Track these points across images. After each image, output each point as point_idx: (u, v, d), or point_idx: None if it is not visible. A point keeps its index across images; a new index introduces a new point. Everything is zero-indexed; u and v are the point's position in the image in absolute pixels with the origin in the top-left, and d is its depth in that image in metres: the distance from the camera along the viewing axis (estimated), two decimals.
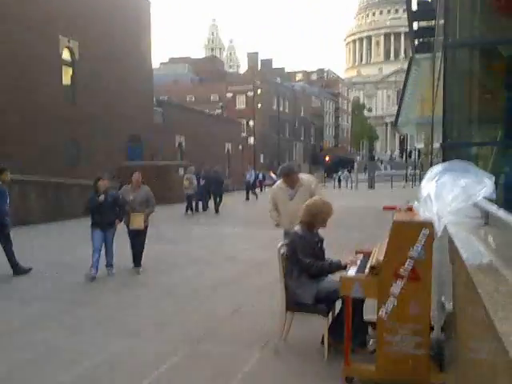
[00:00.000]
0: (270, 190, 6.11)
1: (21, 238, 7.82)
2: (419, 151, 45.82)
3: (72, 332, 4.89)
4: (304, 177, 5.78)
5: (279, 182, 5.82)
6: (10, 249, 7.52)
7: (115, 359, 4.17)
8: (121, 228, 7.69)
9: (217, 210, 17.85)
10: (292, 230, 4.35)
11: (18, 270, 7.50)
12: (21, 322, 5.25)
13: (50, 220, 14.36)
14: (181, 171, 23.40)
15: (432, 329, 3.40)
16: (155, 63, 68.53)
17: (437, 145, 7.71)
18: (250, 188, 23.58)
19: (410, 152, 59.07)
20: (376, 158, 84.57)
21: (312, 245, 4.19)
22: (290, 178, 5.56)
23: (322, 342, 4.04)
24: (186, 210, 17.45)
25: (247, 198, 23.39)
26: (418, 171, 41.41)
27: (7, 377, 3.85)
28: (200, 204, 18.64)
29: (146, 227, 7.77)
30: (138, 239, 7.68)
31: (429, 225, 3.16)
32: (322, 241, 4.38)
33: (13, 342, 4.62)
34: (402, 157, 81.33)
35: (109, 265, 7.45)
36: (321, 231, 4.47)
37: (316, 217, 4.23)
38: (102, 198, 7.26)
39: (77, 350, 4.40)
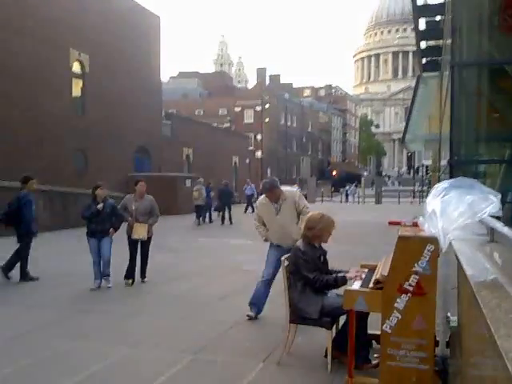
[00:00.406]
0: (255, 207, 6.03)
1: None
2: (427, 168, 45.70)
3: (75, 339, 4.92)
4: (286, 190, 5.73)
5: (262, 197, 5.77)
6: (25, 255, 7.71)
7: (117, 367, 4.19)
8: (117, 236, 7.49)
9: (231, 221, 18.58)
10: (295, 245, 4.35)
11: (25, 276, 7.60)
12: (26, 327, 5.29)
13: (57, 228, 14.48)
14: (188, 183, 23.53)
15: (437, 344, 3.40)
16: (165, 77, 69.38)
17: (444, 162, 7.72)
18: (251, 202, 23.59)
19: (418, 168, 58.97)
20: (383, 173, 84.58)
21: (315, 259, 4.19)
22: (273, 193, 5.49)
23: (326, 354, 4.04)
24: (198, 219, 18.19)
25: (245, 211, 23.47)
26: (425, 187, 41.29)
27: (11, 380, 3.87)
28: (207, 215, 19.16)
29: (149, 238, 7.61)
30: (142, 250, 7.55)
31: (434, 240, 3.18)
32: (325, 253, 4.38)
33: (17, 347, 4.65)
34: (409, 173, 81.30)
35: (105, 275, 7.26)
36: (326, 244, 4.49)
37: (313, 230, 4.23)
38: (100, 206, 7.15)
39: (79, 356, 4.43)
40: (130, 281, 7.42)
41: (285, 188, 5.73)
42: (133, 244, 7.49)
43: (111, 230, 7.29)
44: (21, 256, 7.70)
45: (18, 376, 4.00)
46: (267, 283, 5.55)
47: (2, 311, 5.95)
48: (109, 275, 7.27)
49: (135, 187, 7.58)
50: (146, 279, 7.59)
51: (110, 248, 7.31)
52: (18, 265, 7.70)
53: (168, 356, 4.40)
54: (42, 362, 4.30)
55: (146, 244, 7.60)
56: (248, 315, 5.48)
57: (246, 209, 23.73)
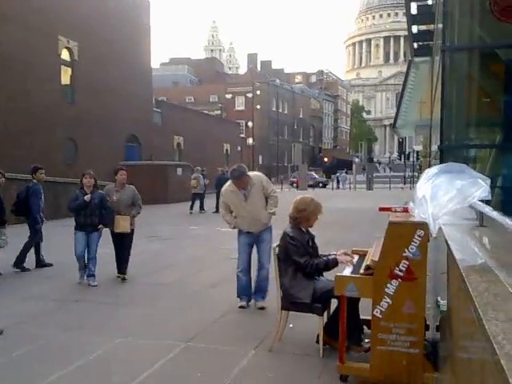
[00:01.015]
0: (221, 195, 5.81)
1: (20, 237, 7.84)
2: (418, 153, 45.89)
3: (67, 330, 4.91)
4: (254, 174, 5.64)
5: (228, 185, 5.60)
6: (29, 245, 7.79)
7: (110, 357, 4.20)
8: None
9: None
10: (283, 231, 4.32)
11: (19, 264, 7.65)
12: (20, 318, 5.27)
13: (48, 219, 14.33)
14: (179, 171, 23.45)
15: (427, 328, 3.43)
16: (155, 63, 68.75)
17: (435, 147, 7.73)
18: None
19: (409, 154, 59.18)
20: (375, 159, 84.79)
21: (304, 244, 4.19)
22: (242, 181, 5.39)
23: (318, 340, 4.06)
24: (192, 208, 17.94)
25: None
26: (416, 173, 41.48)
27: (4, 370, 3.87)
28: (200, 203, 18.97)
29: (132, 230, 7.05)
30: (123, 244, 6.97)
31: (424, 226, 3.19)
32: (313, 238, 4.38)
33: (10, 338, 4.64)
34: (400, 159, 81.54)
35: (90, 275, 6.70)
36: (317, 231, 4.49)
37: (302, 213, 4.22)
38: (87, 197, 6.62)
39: (71, 347, 4.43)
40: (125, 276, 6.98)
41: (251, 173, 5.63)
42: (116, 238, 6.96)
43: (100, 226, 6.77)
44: (30, 245, 7.80)
45: (11, 366, 3.99)
46: (246, 272, 5.55)
47: None
48: (94, 276, 6.71)
49: (115, 177, 7.03)
50: (125, 276, 6.95)
51: (97, 245, 6.81)
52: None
53: (160, 345, 4.41)
54: (35, 352, 4.29)
55: (128, 237, 7.04)
56: (240, 306, 5.46)
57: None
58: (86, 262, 6.81)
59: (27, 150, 16.63)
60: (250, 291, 5.56)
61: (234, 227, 5.64)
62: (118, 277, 6.99)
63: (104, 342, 4.46)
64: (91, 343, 4.46)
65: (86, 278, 6.77)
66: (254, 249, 5.66)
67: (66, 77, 21.31)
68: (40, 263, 7.92)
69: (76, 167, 19.77)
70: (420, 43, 12.34)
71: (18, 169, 12.52)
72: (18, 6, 17.56)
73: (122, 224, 6.84)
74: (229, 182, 5.63)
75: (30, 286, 6.84)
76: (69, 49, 21.08)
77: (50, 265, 7.98)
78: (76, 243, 6.74)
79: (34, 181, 7.99)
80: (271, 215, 5.55)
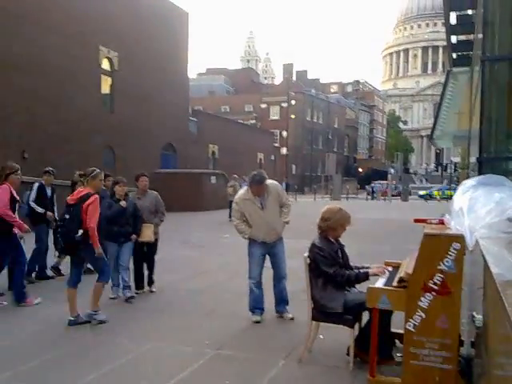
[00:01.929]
0: (235, 204, 5.47)
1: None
2: (455, 165, 44.93)
3: (99, 333, 5.00)
4: (270, 182, 5.36)
5: (243, 192, 5.39)
6: None
7: (140, 361, 4.24)
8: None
9: None
10: (312, 242, 4.25)
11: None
12: (53, 321, 5.39)
13: None
14: (213, 180, 23.66)
15: (461, 344, 3.33)
16: (192, 73, 69.90)
17: (473, 159, 7.56)
18: None
19: (446, 166, 57.96)
20: (411, 170, 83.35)
21: (332, 254, 4.12)
22: (262, 187, 5.18)
23: (348, 352, 4.01)
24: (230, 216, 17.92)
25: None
26: (453, 185, 40.57)
27: (36, 374, 3.96)
28: None
29: (156, 240, 6.73)
30: (148, 254, 6.69)
31: (460, 238, 3.12)
32: (342, 248, 4.31)
33: (42, 341, 4.76)
34: (437, 170, 79.86)
35: (126, 286, 6.29)
36: (349, 242, 4.44)
37: (328, 222, 4.15)
38: (124, 203, 6.22)
39: (103, 350, 4.50)
40: (143, 291, 6.69)
41: (268, 181, 5.36)
42: (139, 247, 6.54)
43: (133, 235, 6.29)
44: None
45: (43, 369, 4.07)
46: (259, 284, 5.41)
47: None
48: (129, 287, 6.36)
49: (136, 183, 6.73)
50: (154, 288, 6.76)
51: (130, 256, 6.40)
52: None
53: (190, 351, 4.43)
54: (66, 355, 4.38)
55: (152, 247, 6.73)
56: (255, 321, 5.26)
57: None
58: (120, 274, 6.35)
59: (67, 157, 17.12)
60: (263, 303, 5.43)
61: (249, 238, 5.40)
62: (151, 291, 6.75)
63: (135, 347, 4.53)
64: (122, 347, 4.53)
65: (121, 290, 6.36)
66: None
67: (105, 86, 21.93)
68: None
69: (114, 174, 20.25)
70: (459, 53, 12.12)
71: (57, 176, 12.87)
72: (59, 15, 18.10)
73: (146, 233, 6.47)
74: (243, 190, 5.47)
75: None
76: (109, 59, 21.70)
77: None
78: (110, 257, 6.09)
79: (104, 188, 7.63)
80: (285, 224, 5.47)
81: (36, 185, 7.42)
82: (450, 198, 38.34)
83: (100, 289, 5.31)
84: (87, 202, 5.09)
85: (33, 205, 7.25)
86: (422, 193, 43.36)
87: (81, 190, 5.27)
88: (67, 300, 5.24)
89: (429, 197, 41.22)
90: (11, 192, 5.84)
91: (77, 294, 5.27)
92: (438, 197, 39.93)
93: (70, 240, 5.08)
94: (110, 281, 5.97)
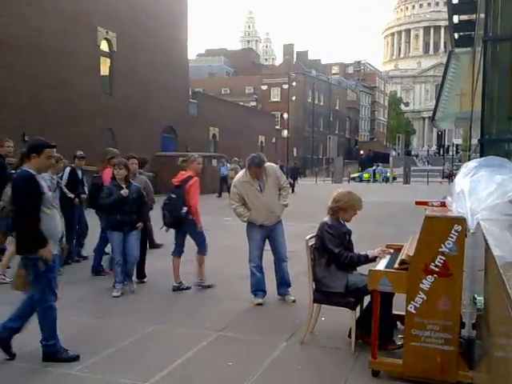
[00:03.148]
0: (233, 186, 5.49)
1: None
2: (457, 147, 44.80)
3: (100, 316, 5.03)
4: (267, 165, 5.38)
5: (241, 175, 5.41)
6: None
7: (143, 343, 4.28)
8: None
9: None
10: (322, 220, 4.29)
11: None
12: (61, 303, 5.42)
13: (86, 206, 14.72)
14: (214, 162, 23.59)
15: (463, 326, 3.36)
16: (192, 55, 69.24)
17: (475, 140, 7.52)
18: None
19: (448, 147, 57.82)
20: (412, 153, 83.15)
21: (341, 235, 4.16)
22: (261, 169, 5.20)
23: (350, 334, 4.04)
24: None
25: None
26: (455, 167, 40.52)
27: (38, 356, 3.93)
28: None
29: (145, 226, 6.44)
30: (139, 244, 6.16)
31: (461, 221, 3.12)
32: (349, 233, 4.34)
33: None
34: (439, 152, 79.71)
35: (128, 275, 5.95)
36: (352, 225, 4.44)
37: (339, 203, 4.17)
38: (124, 191, 5.72)
39: (105, 333, 4.54)
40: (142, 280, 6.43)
41: (266, 164, 5.38)
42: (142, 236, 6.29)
43: (139, 224, 5.91)
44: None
45: None
46: (260, 267, 5.44)
47: None
48: (131, 276, 6.03)
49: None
50: (145, 279, 6.42)
51: (138, 246, 6.00)
52: None
53: (193, 333, 4.47)
54: (68, 338, 4.39)
55: (142, 236, 6.28)
56: (257, 303, 5.30)
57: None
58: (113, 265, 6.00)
59: (66, 140, 17.05)
60: (264, 285, 5.46)
61: (247, 220, 5.41)
62: (142, 281, 6.40)
63: (137, 329, 4.56)
64: (124, 330, 4.57)
65: (124, 282, 5.96)
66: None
67: (104, 67, 21.71)
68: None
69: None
70: (461, 33, 11.97)
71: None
72: None
73: None
74: (241, 173, 5.49)
75: (74, 273, 7.00)
76: (108, 40, 21.46)
77: (86, 257, 7.75)
78: (114, 248, 5.89)
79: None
80: (284, 207, 5.47)
81: (68, 169, 7.69)
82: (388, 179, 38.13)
83: (202, 259, 6.07)
84: (189, 183, 5.78)
85: (64, 189, 7.40)
86: (353, 175, 42.57)
87: (183, 173, 5.92)
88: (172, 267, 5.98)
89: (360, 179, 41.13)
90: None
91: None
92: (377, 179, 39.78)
93: (176, 215, 5.72)
94: (114, 278, 5.85)
